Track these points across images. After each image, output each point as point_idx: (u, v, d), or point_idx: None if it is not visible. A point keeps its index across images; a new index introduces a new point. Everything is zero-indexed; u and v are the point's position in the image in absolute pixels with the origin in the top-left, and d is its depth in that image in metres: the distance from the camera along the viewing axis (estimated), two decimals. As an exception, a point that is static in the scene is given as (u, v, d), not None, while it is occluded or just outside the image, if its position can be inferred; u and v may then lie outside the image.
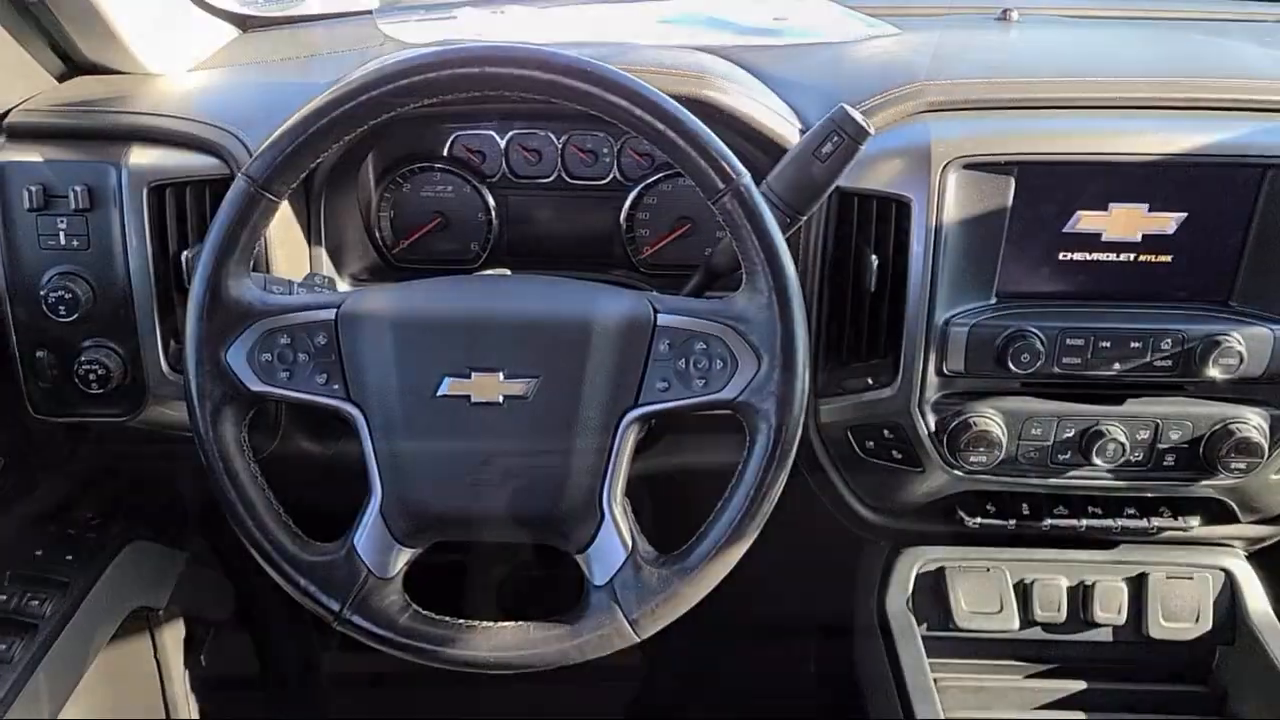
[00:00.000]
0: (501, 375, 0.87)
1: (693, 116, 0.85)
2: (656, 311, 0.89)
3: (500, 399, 0.87)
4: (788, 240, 1.07)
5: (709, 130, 0.85)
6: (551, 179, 1.23)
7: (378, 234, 1.23)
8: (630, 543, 0.89)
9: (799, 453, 1.16)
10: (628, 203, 1.21)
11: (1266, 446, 1.06)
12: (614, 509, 0.89)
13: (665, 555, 0.89)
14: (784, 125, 1.07)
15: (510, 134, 1.21)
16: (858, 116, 0.92)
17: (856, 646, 1.18)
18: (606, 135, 1.20)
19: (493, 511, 0.89)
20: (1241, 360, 1.03)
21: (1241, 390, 1.07)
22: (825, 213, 1.06)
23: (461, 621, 0.90)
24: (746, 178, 0.85)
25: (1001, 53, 1.20)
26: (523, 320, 0.88)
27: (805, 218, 0.95)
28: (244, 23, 1.42)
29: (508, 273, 1.17)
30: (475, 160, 1.23)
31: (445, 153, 1.22)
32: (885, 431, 1.11)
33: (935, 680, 1.16)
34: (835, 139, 0.92)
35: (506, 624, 0.90)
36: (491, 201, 1.23)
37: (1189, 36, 1.28)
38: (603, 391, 0.87)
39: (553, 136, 1.21)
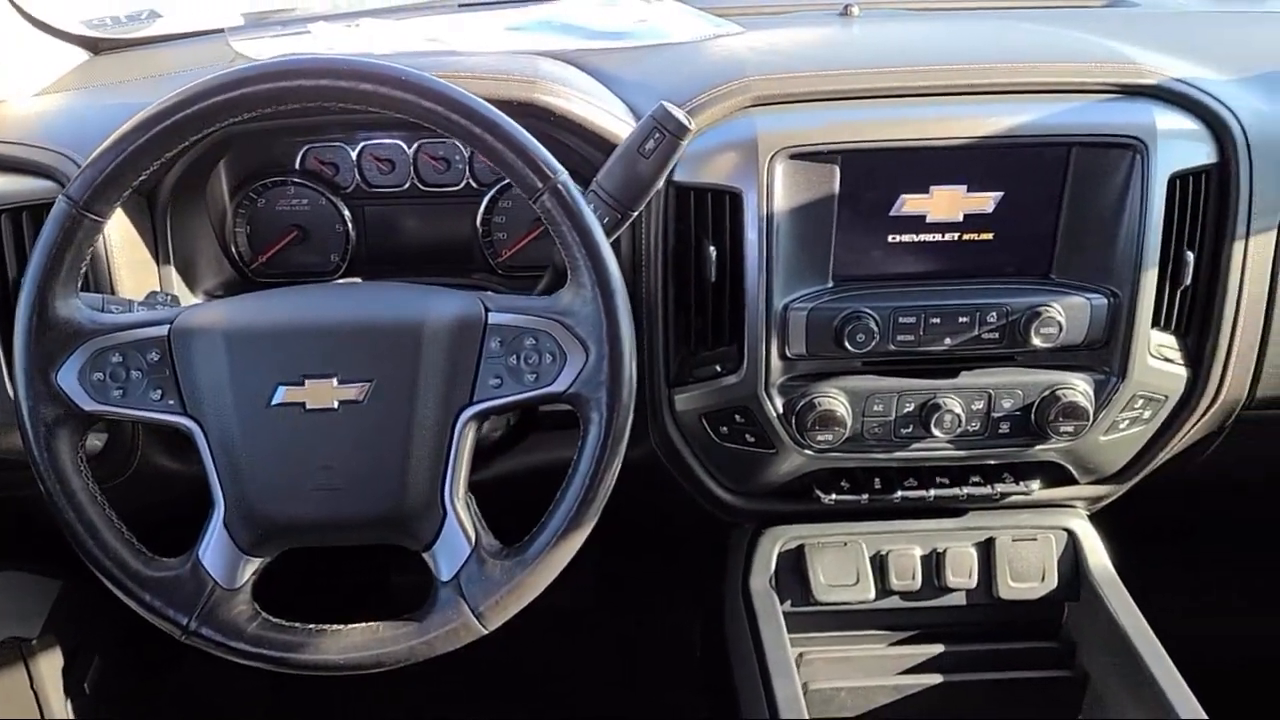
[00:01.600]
0: (335, 381, 0.88)
1: (508, 119, 0.88)
2: (488, 310, 0.91)
3: (335, 405, 0.88)
4: (626, 236, 1.12)
5: (524, 131, 0.88)
6: (405, 188, 1.24)
7: (234, 249, 1.23)
8: (474, 537, 0.91)
9: (658, 442, 1.22)
10: (482, 207, 1.23)
11: (1091, 410, 1.12)
12: (456, 505, 0.91)
13: (508, 548, 0.92)
14: (619, 125, 1.10)
15: (361, 145, 1.22)
16: (678, 113, 0.95)
17: (726, 627, 1.22)
18: (456, 142, 1.22)
19: (336, 516, 0.90)
20: (1061, 329, 1.09)
21: (1066, 358, 1.13)
22: (663, 207, 1.10)
23: (311, 626, 0.91)
24: (563, 175, 0.88)
25: (834, 47, 1.25)
26: (354, 326, 0.90)
27: (636, 213, 0.99)
28: (95, 45, 1.41)
29: (359, 281, 1.19)
30: (328, 172, 1.24)
31: (297, 166, 1.23)
32: (737, 416, 1.14)
33: (800, 654, 1.21)
34: (657, 136, 0.96)
35: (356, 625, 0.91)
36: (347, 213, 1.24)
37: (1015, 25, 1.34)
38: (437, 391, 0.89)
39: (404, 145, 1.22)
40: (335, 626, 0.91)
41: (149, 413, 0.89)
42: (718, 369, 1.13)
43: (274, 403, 0.88)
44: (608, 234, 0.96)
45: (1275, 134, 1.11)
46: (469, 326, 0.90)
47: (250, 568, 0.91)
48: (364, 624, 0.91)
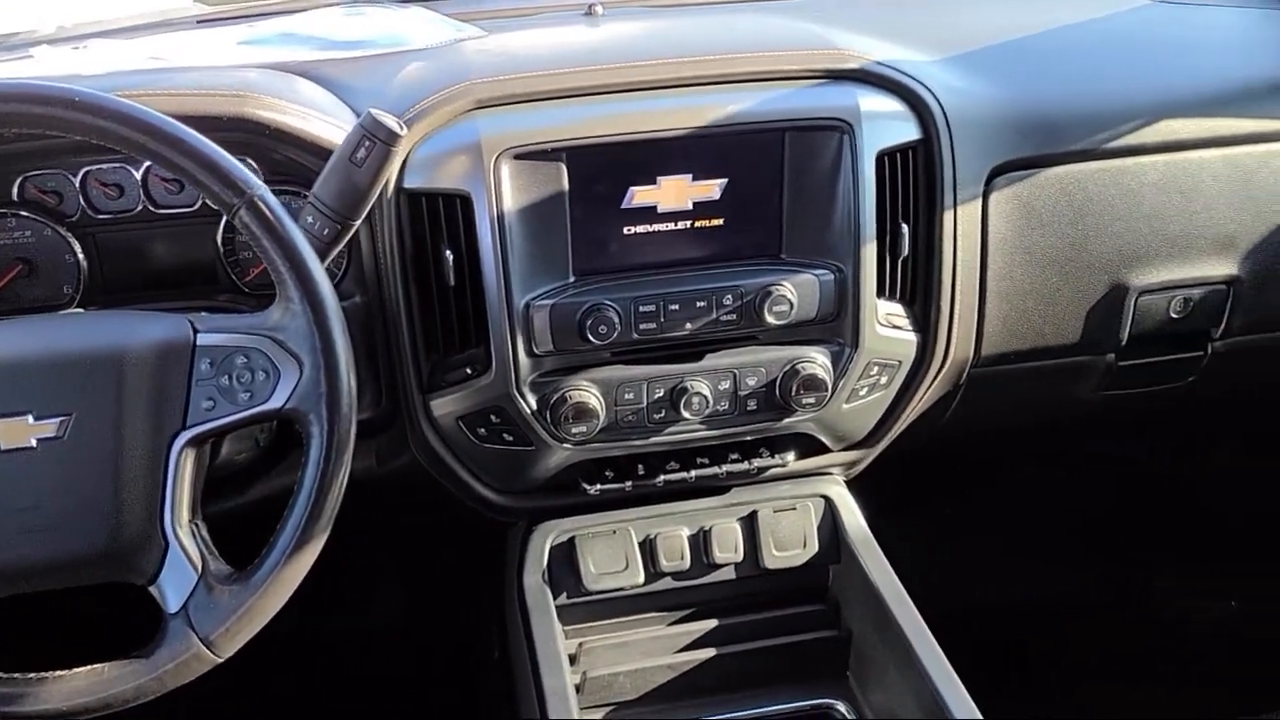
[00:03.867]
0: (30, 418, 0.85)
1: (195, 134, 0.86)
2: (196, 331, 0.89)
3: (32, 443, 0.85)
4: (366, 244, 1.12)
5: (215, 147, 0.87)
6: (138, 211, 1.19)
7: None
8: (201, 565, 0.89)
9: (419, 449, 1.22)
10: (222, 226, 1.20)
11: (830, 381, 1.18)
12: (179, 534, 0.89)
13: (238, 572, 0.90)
14: (341, 135, 1.09)
15: (84, 171, 1.17)
16: (386, 120, 0.95)
17: (506, 626, 1.22)
18: None
19: (46, 558, 0.87)
20: (793, 306, 1.14)
21: (803, 333, 1.18)
22: (395, 214, 1.10)
23: (31, 675, 0.87)
24: (260, 189, 0.87)
25: (568, 46, 1.26)
26: (47, 359, 0.86)
27: (357, 223, 0.98)
28: None
29: (80, 311, 1.14)
30: (50, 201, 1.18)
31: (15, 197, 1.17)
32: (493, 416, 1.15)
33: (580, 644, 1.23)
34: (368, 144, 0.95)
35: (80, 669, 0.88)
36: (76, 242, 1.18)
37: (744, 17, 1.39)
38: (145, 419, 0.87)
39: (130, 169, 1.18)
40: (58, 672, 0.88)
41: None
42: (468, 371, 1.14)
43: None
44: (330, 245, 0.96)
45: (972, 110, 1.19)
46: (175, 350, 0.88)
47: (-41, 622, 0.87)
48: (89, 666, 0.88)
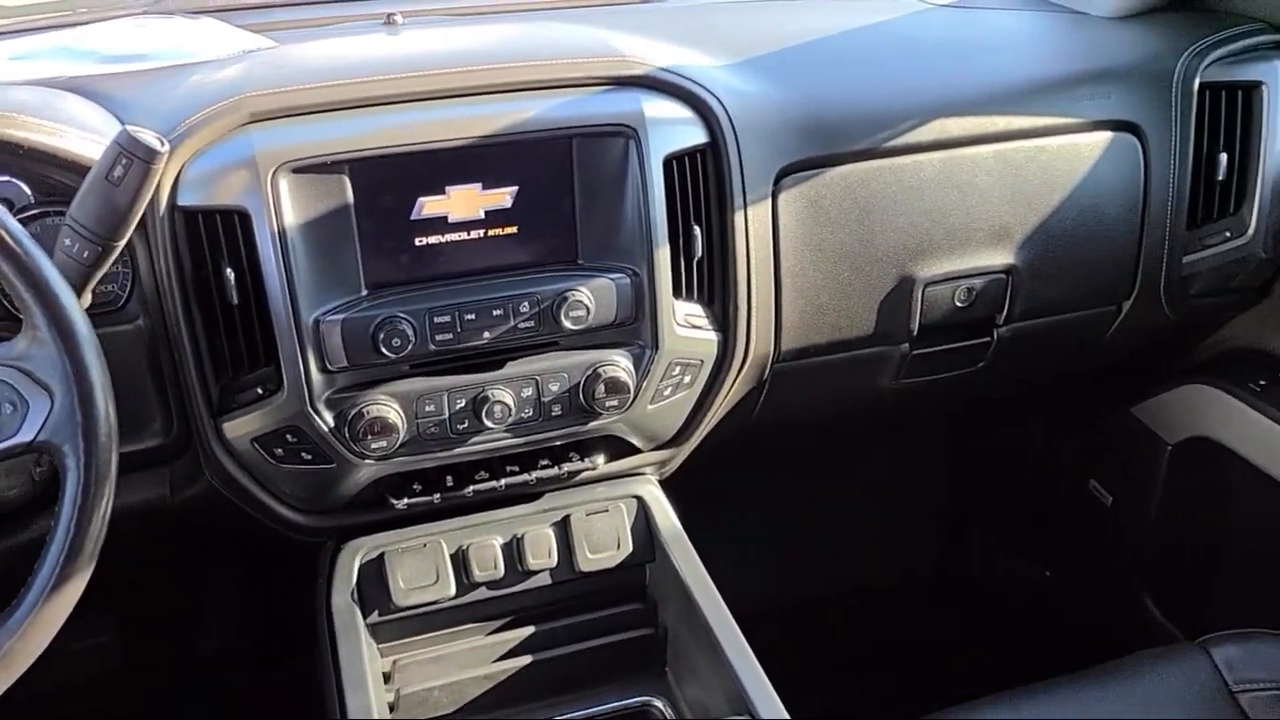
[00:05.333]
0: None
1: None
2: None
3: None
4: (145, 265, 1.08)
5: None
6: None
7: None
8: None
9: (214, 474, 1.18)
10: None
11: (633, 383, 1.19)
12: (-73, 580, 0.84)
13: (-5, 614, 0.86)
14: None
15: None
16: (144, 137, 0.92)
17: (318, 651, 1.20)
18: None
19: None
20: (589, 310, 1.15)
21: (605, 336, 1.18)
22: (170, 233, 1.06)
23: None
24: None
25: (357, 56, 1.24)
26: None
27: (121, 244, 0.94)
28: None
29: None
30: None
31: None
32: (289, 436, 1.12)
33: (395, 661, 1.21)
34: (125, 162, 0.91)
35: None
36: None
37: (542, 25, 1.40)
38: (-122, 460, 0.82)
39: None
40: None
41: None
42: (260, 391, 1.11)
43: None
44: (92, 268, 0.92)
45: (758, 113, 1.22)
46: None
47: None
48: None
